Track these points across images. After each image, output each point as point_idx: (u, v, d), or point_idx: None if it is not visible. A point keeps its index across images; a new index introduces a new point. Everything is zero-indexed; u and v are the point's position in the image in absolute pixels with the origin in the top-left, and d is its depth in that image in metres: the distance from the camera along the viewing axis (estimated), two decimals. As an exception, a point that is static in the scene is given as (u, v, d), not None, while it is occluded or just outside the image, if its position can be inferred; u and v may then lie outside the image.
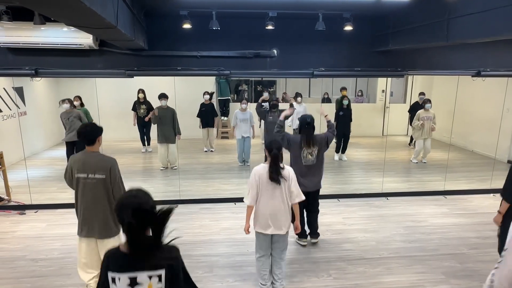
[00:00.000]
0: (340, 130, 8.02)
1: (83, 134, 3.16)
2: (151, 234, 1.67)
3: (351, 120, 8.14)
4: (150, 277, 1.69)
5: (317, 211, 4.48)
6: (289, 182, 3.31)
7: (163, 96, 7.14)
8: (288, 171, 3.34)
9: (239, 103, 8.18)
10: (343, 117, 7.99)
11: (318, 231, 4.52)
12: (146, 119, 7.91)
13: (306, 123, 4.16)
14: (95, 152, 3.20)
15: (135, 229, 1.62)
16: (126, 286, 1.67)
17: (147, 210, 1.64)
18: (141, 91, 8.25)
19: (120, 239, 3.20)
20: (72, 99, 6.97)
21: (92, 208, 3.17)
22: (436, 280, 3.79)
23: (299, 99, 8.17)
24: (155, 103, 7.49)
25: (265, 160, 3.42)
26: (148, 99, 8.33)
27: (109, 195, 3.17)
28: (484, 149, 8.50)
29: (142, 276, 1.67)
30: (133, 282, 1.67)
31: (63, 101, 6.71)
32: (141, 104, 8.29)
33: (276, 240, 3.41)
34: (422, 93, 8.62)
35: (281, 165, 3.30)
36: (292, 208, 3.41)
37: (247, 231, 3.44)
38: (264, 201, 3.29)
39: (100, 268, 1.75)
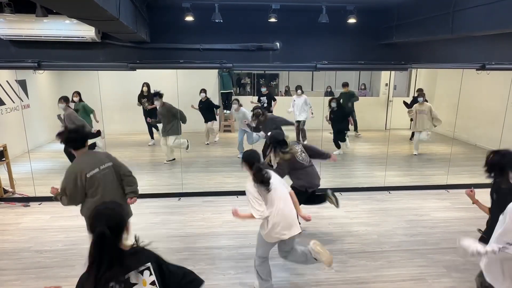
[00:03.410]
0: (334, 126, 8.04)
1: (72, 141, 3.16)
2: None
3: (347, 116, 8.13)
4: (142, 272, 1.70)
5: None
6: (277, 178, 3.28)
7: (155, 96, 7.05)
8: (271, 171, 3.28)
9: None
10: (336, 113, 7.97)
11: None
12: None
13: (277, 141, 4.03)
14: (89, 150, 3.32)
15: (108, 238, 1.61)
16: None
17: (120, 220, 1.72)
18: (146, 84, 8.26)
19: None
20: (72, 95, 6.92)
21: (112, 194, 3.26)
22: (438, 273, 3.80)
23: (299, 91, 8.33)
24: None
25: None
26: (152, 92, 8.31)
27: (120, 179, 3.38)
28: (488, 143, 8.43)
29: (133, 275, 1.68)
30: (128, 284, 1.66)
31: (59, 100, 6.40)
32: (145, 97, 8.29)
33: (288, 243, 3.22)
34: (419, 90, 8.68)
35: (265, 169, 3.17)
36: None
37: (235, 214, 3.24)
38: (273, 209, 3.11)
39: None
